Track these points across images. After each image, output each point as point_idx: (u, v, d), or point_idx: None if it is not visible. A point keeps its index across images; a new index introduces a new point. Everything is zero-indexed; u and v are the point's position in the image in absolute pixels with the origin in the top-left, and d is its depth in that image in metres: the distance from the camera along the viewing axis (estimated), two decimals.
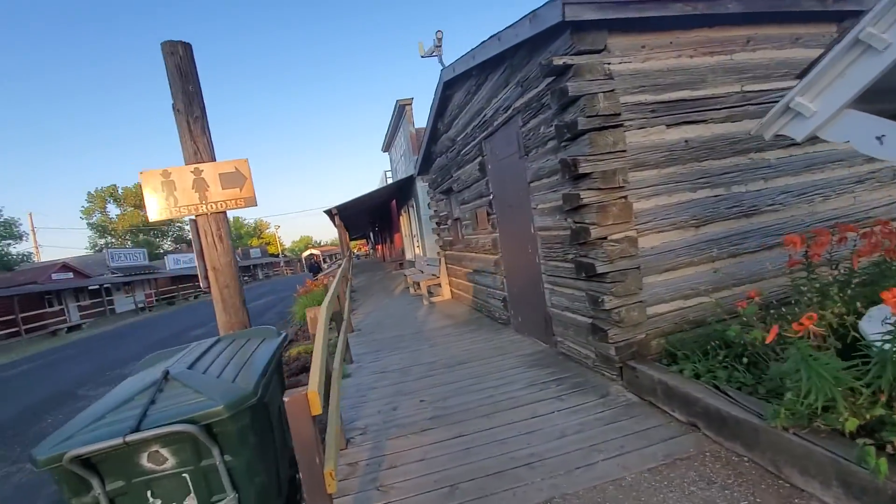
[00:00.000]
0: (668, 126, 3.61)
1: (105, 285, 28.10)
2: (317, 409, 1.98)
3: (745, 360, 2.85)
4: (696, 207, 3.69)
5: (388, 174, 21.57)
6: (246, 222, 71.41)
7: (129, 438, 1.80)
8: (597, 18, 3.29)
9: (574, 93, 3.37)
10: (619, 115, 3.43)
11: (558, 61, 3.43)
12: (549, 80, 3.79)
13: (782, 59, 3.88)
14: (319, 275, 20.80)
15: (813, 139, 2.37)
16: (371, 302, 10.56)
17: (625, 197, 3.48)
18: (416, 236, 14.41)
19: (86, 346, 14.57)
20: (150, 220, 3.31)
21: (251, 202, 3.53)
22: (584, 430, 3.05)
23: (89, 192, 51.33)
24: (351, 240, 45.34)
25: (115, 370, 8.90)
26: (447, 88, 6.81)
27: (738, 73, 3.78)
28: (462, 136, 6.76)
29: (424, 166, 9.58)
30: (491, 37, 4.52)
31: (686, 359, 3.25)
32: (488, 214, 6.12)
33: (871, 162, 4.10)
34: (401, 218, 17.30)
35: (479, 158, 6.04)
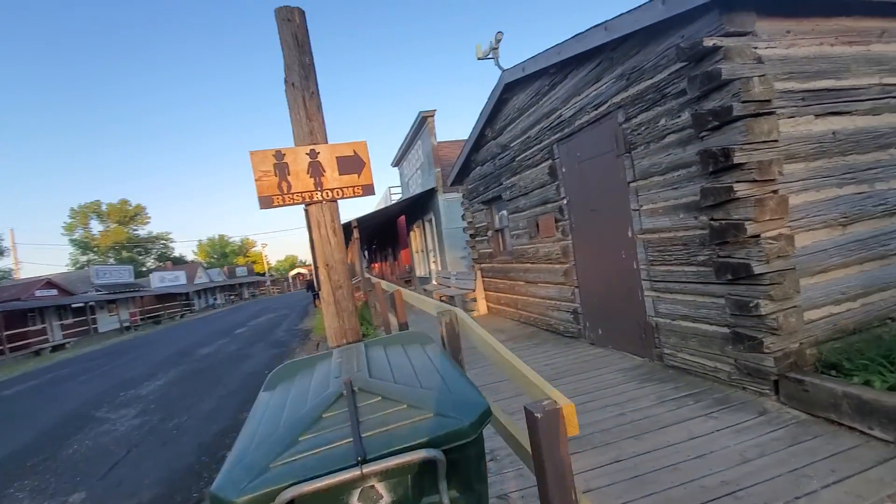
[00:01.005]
0: (817, 116, 3.34)
1: (90, 303, 26.75)
2: (574, 429, 1.55)
3: None
4: (843, 204, 3.39)
5: (395, 190, 21.22)
6: (232, 240, 69.94)
7: (368, 469, 1.34)
8: None
9: (727, 76, 3.08)
10: (771, 101, 3.15)
11: (708, 42, 3.14)
12: (681, 66, 3.51)
13: None
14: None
15: None
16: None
17: (777, 191, 3.17)
18: (432, 251, 13.98)
19: (80, 366, 13.57)
20: (261, 209, 2.86)
21: (369, 190, 3.10)
22: (767, 452, 2.65)
23: (72, 207, 49.66)
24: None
25: (128, 391, 8.12)
26: (506, 91, 6.53)
27: (877, 65, 3.56)
28: (520, 140, 6.46)
29: (459, 176, 9.25)
30: (593, 27, 4.25)
31: (863, 369, 2.90)
32: (557, 221, 5.77)
33: None
34: (411, 234, 16.87)
35: (549, 162, 5.73)
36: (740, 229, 3.14)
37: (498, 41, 6.73)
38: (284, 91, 2.92)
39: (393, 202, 19.50)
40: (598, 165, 4.79)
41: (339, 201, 2.94)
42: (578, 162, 5.14)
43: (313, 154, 2.85)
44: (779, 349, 3.13)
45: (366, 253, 39.15)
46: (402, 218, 17.93)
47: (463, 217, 9.47)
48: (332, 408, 1.64)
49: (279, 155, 2.79)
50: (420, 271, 16.13)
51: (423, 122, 12.59)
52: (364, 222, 13.27)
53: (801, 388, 3.00)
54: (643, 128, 4.02)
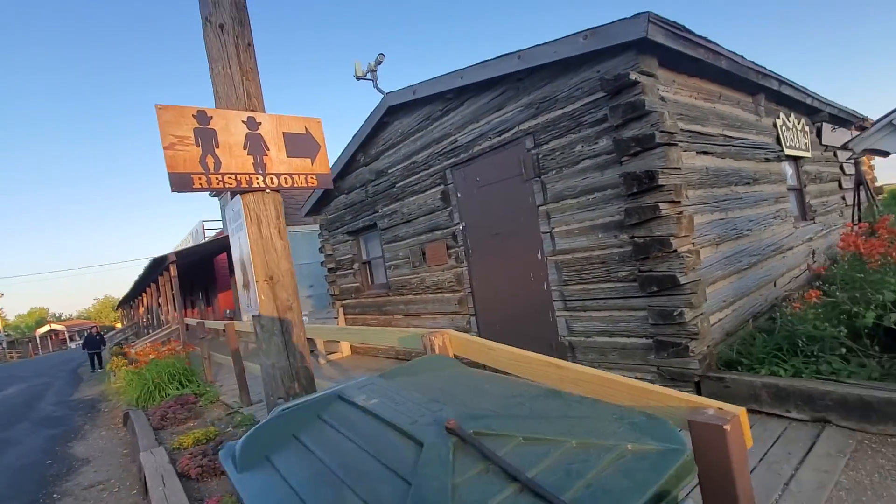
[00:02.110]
0: (697, 153, 3.99)
1: None
2: (750, 440, 1.28)
3: (843, 350, 3.11)
4: (716, 228, 4.07)
5: (209, 224, 18.39)
6: None
7: None
8: (666, 45, 3.49)
9: (650, 107, 3.44)
10: (675, 134, 3.63)
11: (633, 76, 3.48)
12: (598, 97, 3.81)
13: (738, 116, 4.80)
14: (105, 350, 15.67)
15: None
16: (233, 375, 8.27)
17: (682, 212, 3.61)
18: None
19: None
20: (174, 191, 1.85)
21: (326, 182, 2.35)
22: None
23: None
24: (119, 307, 36.40)
25: None
26: (388, 115, 6.26)
27: (720, 119, 4.49)
28: (402, 166, 6.22)
29: (317, 206, 8.42)
30: (504, 55, 4.37)
31: (761, 362, 3.39)
32: (448, 248, 5.62)
33: (776, 203, 5.29)
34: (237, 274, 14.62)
35: (441, 187, 5.60)
36: (665, 244, 3.44)
37: (378, 63, 6.49)
38: (203, 36, 2.08)
39: (208, 239, 16.83)
40: (501, 190, 4.84)
41: (279, 193, 2.17)
42: (478, 187, 5.13)
43: (252, 124, 2.06)
44: (699, 352, 3.46)
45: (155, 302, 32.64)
46: (223, 256, 15.51)
47: (321, 250, 8.58)
48: (460, 469, 1.02)
49: (203, 117, 1.93)
50: (247, 316, 13.97)
51: None
52: (181, 258, 10.95)
53: (722, 384, 3.34)
54: (557, 153, 4.22)
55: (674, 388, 3.29)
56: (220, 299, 16.88)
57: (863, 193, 6.80)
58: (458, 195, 5.40)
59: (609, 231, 3.87)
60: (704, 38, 3.84)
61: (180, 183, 1.85)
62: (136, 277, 18.37)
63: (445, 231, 5.65)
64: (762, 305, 4.52)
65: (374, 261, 7.58)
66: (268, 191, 2.09)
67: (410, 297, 6.41)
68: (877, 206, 6.88)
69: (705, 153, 4.12)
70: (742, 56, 4.37)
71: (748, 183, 4.79)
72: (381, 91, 7.75)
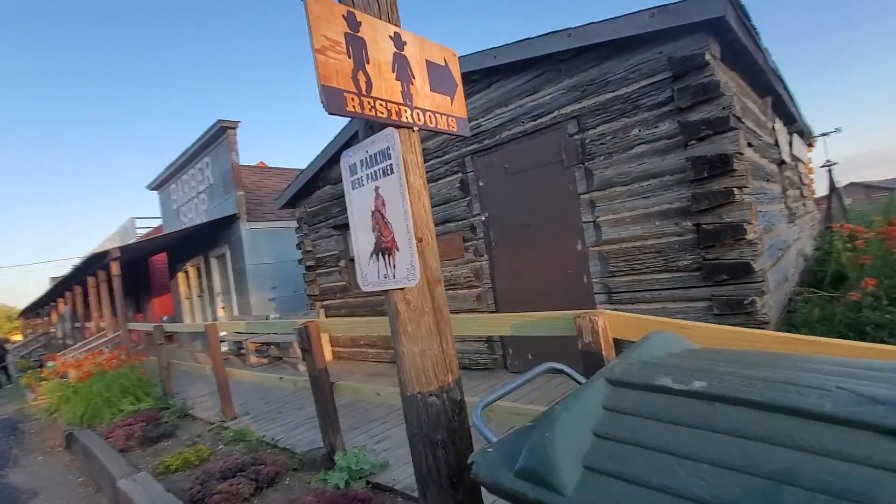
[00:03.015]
0: (748, 144, 3.96)
1: None
2: None
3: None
4: (761, 219, 4.07)
5: (142, 223, 16.54)
6: None
7: None
8: (734, 28, 3.42)
9: (723, 89, 3.34)
10: (742, 119, 3.57)
11: (707, 56, 3.36)
12: (659, 79, 3.67)
13: (757, 115, 4.89)
14: (10, 364, 13.44)
15: None
16: (198, 385, 7.27)
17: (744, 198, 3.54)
18: (221, 294, 11.10)
19: None
20: (329, 113, 1.33)
21: (464, 128, 1.91)
22: None
23: None
24: (21, 316, 32.22)
25: None
26: None
27: (751, 115, 4.54)
28: None
29: (296, 198, 7.69)
30: (551, 32, 4.13)
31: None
32: (465, 241, 5.26)
33: (780, 203, 5.48)
34: (179, 276, 13.14)
35: (458, 175, 5.24)
36: (739, 230, 3.33)
37: None
38: None
39: (144, 236, 15.11)
40: (535, 177, 4.58)
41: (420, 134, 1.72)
42: (506, 175, 4.83)
43: (399, 42, 1.62)
44: None
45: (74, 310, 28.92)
46: (163, 256, 13.93)
47: (299, 246, 7.84)
48: None
49: (353, 20, 1.46)
50: (190, 320, 12.59)
51: (220, 134, 10.22)
52: (126, 254, 9.59)
53: None
54: (608, 138, 4.02)
55: None
56: (154, 305, 15.14)
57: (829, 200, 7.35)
58: (480, 184, 5.07)
59: (669, 218, 3.72)
60: (755, 30, 3.84)
61: (335, 102, 1.36)
62: (48, 281, 16.03)
63: (462, 223, 5.28)
64: (786, 297, 4.60)
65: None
66: (415, 128, 1.64)
67: None
68: (846, 211, 7.47)
69: (750, 145, 4.12)
70: (766, 56, 4.46)
71: (767, 180, 4.91)
72: None
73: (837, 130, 8.97)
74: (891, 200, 8.05)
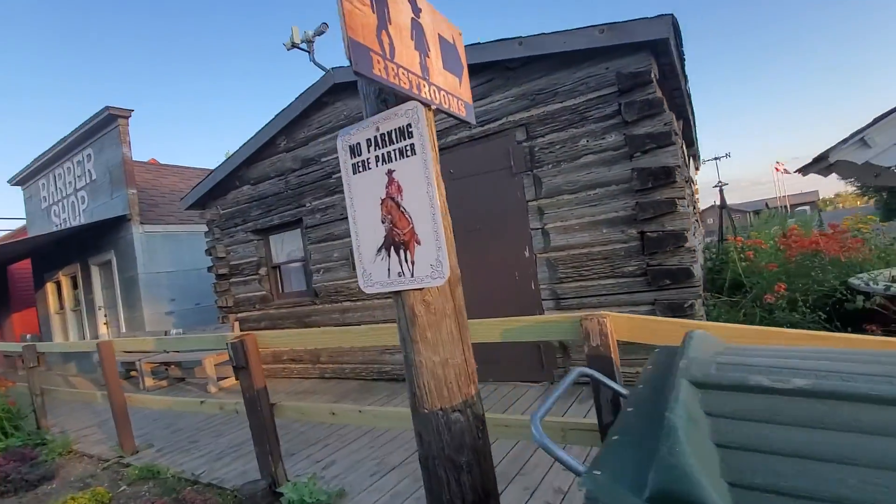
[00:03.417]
0: None
1: None
2: None
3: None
4: None
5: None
6: None
7: None
8: (671, 51, 3.69)
9: (665, 106, 3.57)
10: (677, 135, 3.85)
11: (652, 74, 3.58)
12: (605, 92, 3.83)
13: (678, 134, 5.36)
14: None
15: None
16: (79, 415, 6.09)
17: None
18: (104, 308, 9.53)
19: None
20: (355, 71, 1.06)
21: (470, 115, 1.70)
22: None
23: None
24: None
25: None
26: (330, 94, 5.45)
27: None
28: None
29: (206, 198, 6.89)
30: (503, 39, 4.15)
31: None
32: None
33: (692, 217, 6.05)
34: (48, 286, 11.07)
35: None
36: (681, 238, 3.57)
37: (319, 33, 5.65)
38: None
39: (1, 239, 12.67)
40: (482, 183, 4.54)
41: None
42: (452, 179, 4.72)
43: (415, 7, 1.43)
44: None
45: None
46: (27, 264, 11.71)
47: (209, 252, 7.01)
48: None
49: None
50: (61, 338, 10.67)
51: (107, 123, 8.85)
52: None
53: None
54: (557, 146, 4.11)
55: None
56: (14, 320, 12.63)
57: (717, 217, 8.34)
58: None
59: (615, 226, 3.88)
60: (683, 55, 4.20)
61: (363, 61, 1.12)
62: None
63: None
64: None
65: (290, 265, 6.46)
66: (432, 106, 1.45)
67: (348, 304, 5.58)
68: (734, 226, 8.53)
69: None
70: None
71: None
72: (318, 65, 6.72)
73: (727, 155, 10.52)
74: (769, 218, 9.41)
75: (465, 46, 4.17)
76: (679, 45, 3.86)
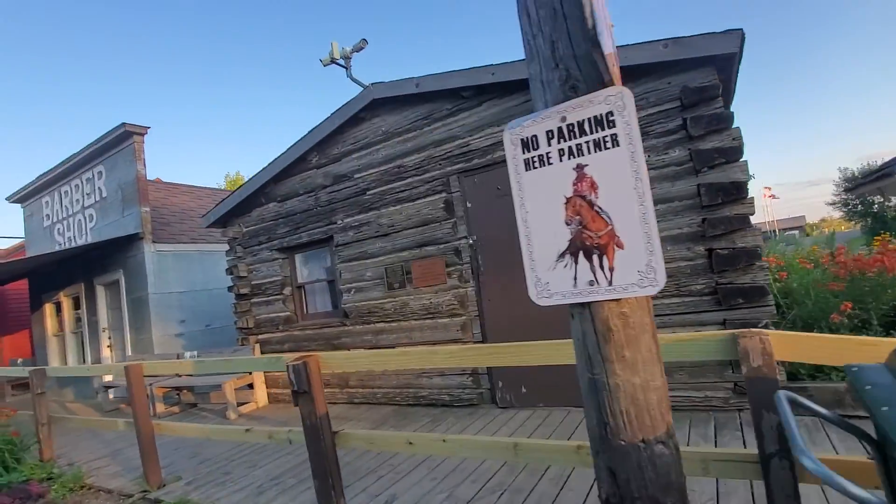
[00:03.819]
0: None
1: None
2: None
3: None
4: None
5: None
6: None
7: None
8: (734, 66, 3.65)
9: (733, 121, 3.50)
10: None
11: (717, 89, 3.52)
12: (667, 107, 3.76)
13: None
14: None
15: None
16: (86, 445, 5.70)
17: None
18: (109, 330, 9.13)
19: None
20: (604, 50, 0.90)
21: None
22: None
23: None
24: None
25: None
26: (367, 109, 5.35)
27: None
28: (381, 170, 5.33)
29: (229, 216, 6.69)
30: None
31: (820, 372, 3.55)
32: (448, 266, 4.88)
33: None
34: (46, 308, 10.63)
35: (443, 195, 4.90)
36: (754, 255, 3.44)
37: (358, 49, 5.58)
38: None
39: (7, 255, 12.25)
40: None
41: None
42: (499, 196, 4.60)
43: None
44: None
45: None
46: (22, 284, 11.28)
47: (230, 271, 6.76)
48: None
49: None
50: (56, 361, 10.19)
51: (122, 139, 8.67)
52: None
53: (806, 393, 3.37)
54: None
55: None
56: (4, 345, 12.09)
57: None
58: (468, 205, 4.78)
59: (680, 243, 3.75)
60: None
61: (607, 36, 0.98)
62: None
63: (445, 246, 4.91)
64: None
65: (315, 285, 6.24)
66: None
67: (382, 325, 5.34)
68: None
69: None
70: None
71: None
72: (356, 81, 6.63)
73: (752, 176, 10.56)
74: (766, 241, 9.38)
75: (513, 63, 4.06)
76: (740, 61, 3.82)
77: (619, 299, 1.20)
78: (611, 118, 1.19)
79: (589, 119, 1.22)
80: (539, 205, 1.29)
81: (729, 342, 1.69)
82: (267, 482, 3.68)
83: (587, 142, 1.22)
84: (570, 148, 1.25)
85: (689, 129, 3.65)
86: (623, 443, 1.20)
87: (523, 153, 1.32)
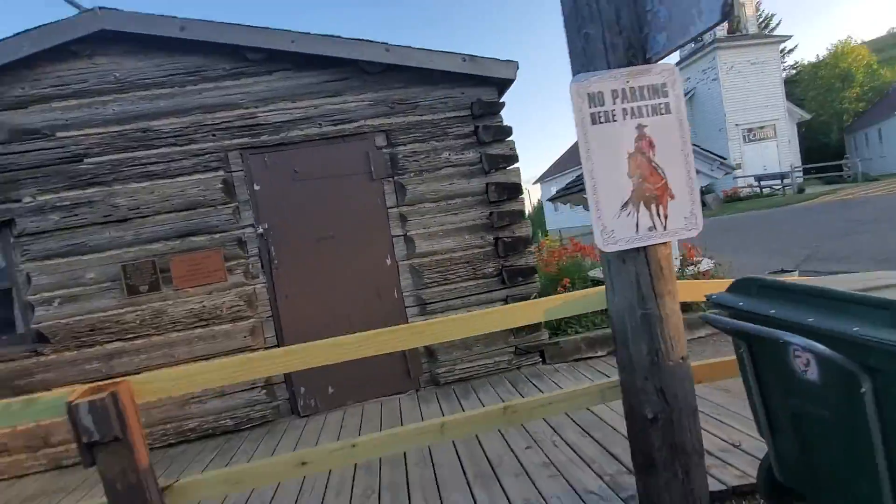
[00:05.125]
0: None
1: None
2: None
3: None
4: None
5: None
6: None
7: None
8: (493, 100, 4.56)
9: (511, 133, 4.36)
10: None
11: (500, 105, 4.30)
12: (462, 114, 4.33)
13: None
14: None
15: None
16: None
17: None
18: None
19: None
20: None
21: None
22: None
23: None
24: None
25: None
26: (90, 43, 3.76)
27: None
28: (115, 132, 3.89)
29: None
30: (365, 40, 4.07)
31: (570, 326, 4.79)
32: (227, 259, 4.02)
33: None
34: None
35: (220, 174, 4.01)
36: (528, 242, 4.37)
37: None
38: None
39: None
40: (335, 187, 4.17)
41: None
42: (296, 180, 4.11)
43: None
44: (544, 328, 4.50)
45: None
46: None
47: None
48: None
49: None
50: None
51: None
52: None
53: (558, 347, 4.51)
54: (421, 156, 4.26)
55: (526, 360, 4.24)
56: None
57: None
58: (256, 187, 4.07)
59: (476, 232, 4.33)
60: None
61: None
62: None
63: (223, 235, 4.01)
64: None
65: None
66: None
67: (120, 345, 3.85)
68: None
69: None
70: None
71: None
72: (73, 3, 4.12)
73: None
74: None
75: (318, 35, 3.96)
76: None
77: (667, 242, 1.43)
78: (664, 89, 1.41)
79: (648, 86, 1.40)
80: (604, 158, 1.38)
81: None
82: None
83: (646, 105, 1.40)
84: (632, 109, 1.39)
85: (479, 136, 4.30)
86: (671, 363, 1.43)
87: (590, 107, 1.37)
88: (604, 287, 2.20)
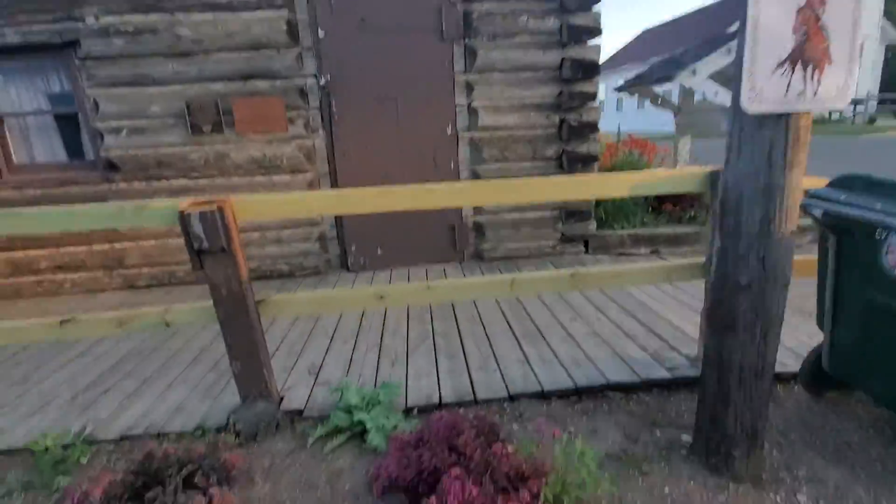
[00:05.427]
0: None
1: None
2: None
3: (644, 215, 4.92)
4: None
5: None
6: None
7: None
8: None
9: (597, 1, 3.92)
10: None
11: None
12: None
13: None
14: None
15: None
16: None
17: None
18: None
19: None
20: None
21: None
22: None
23: None
24: None
25: None
26: None
27: None
28: None
29: None
30: None
31: (618, 221, 4.78)
32: (289, 109, 3.97)
33: None
34: None
35: (284, 12, 3.78)
36: (594, 128, 4.17)
37: None
38: None
39: None
40: (403, 43, 3.93)
41: None
42: (363, 30, 3.87)
43: None
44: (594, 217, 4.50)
45: None
46: None
47: None
48: None
49: None
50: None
51: None
52: None
53: (604, 239, 4.55)
54: (497, 18, 3.91)
55: (570, 247, 4.27)
56: None
57: None
58: (321, 34, 3.85)
59: (542, 111, 4.14)
60: None
61: None
62: None
63: (284, 82, 3.90)
64: None
65: (29, 119, 4.01)
66: None
67: (185, 183, 4.01)
68: None
69: None
70: None
71: None
72: None
73: None
74: None
75: None
76: None
77: (809, 111, 1.34)
78: None
79: None
80: (773, 7, 1.24)
81: (708, 176, 2.08)
82: (96, 389, 2.54)
83: None
84: None
85: (563, 1, 3.88)
86: (781, 234, 1.44)
87: None
88: (695, 169, 2.14)
